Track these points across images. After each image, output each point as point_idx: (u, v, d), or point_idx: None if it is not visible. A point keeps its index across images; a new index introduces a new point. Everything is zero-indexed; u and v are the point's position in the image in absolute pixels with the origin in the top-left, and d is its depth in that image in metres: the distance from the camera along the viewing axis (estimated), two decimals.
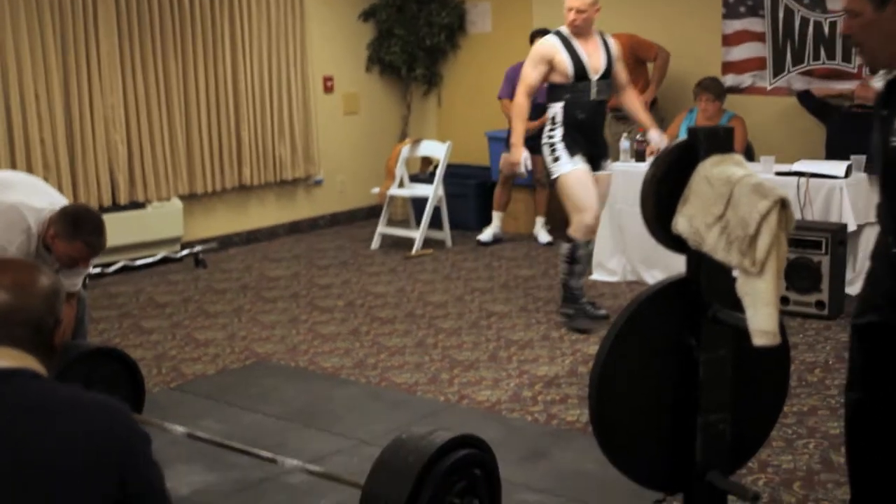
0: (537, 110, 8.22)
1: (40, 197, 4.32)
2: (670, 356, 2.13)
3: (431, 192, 8.21)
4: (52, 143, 7.16)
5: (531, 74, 6.00)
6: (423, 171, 9.13)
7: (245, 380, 5.23)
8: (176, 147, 7.95)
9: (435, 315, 6.36)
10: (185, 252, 7.88)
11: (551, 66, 5.91)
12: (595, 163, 6.01)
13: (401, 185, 8.47)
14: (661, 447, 2.17)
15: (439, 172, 8.27)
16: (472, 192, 8.87)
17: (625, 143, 7.38)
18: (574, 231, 6.01)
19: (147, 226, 7.69)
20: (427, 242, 8.21)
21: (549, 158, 5.98)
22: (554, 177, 5.99)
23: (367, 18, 9.44)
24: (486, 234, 8.44)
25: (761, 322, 1.97)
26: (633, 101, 6.24)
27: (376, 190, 8.52)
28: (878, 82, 2.32)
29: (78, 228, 4.08)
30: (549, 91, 6.05)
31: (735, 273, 2.04)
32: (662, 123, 7.83)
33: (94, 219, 4.16)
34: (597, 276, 7.14)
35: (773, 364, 2.28)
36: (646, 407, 2.15)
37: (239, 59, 8.30)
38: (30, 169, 6.90)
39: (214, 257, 8.03)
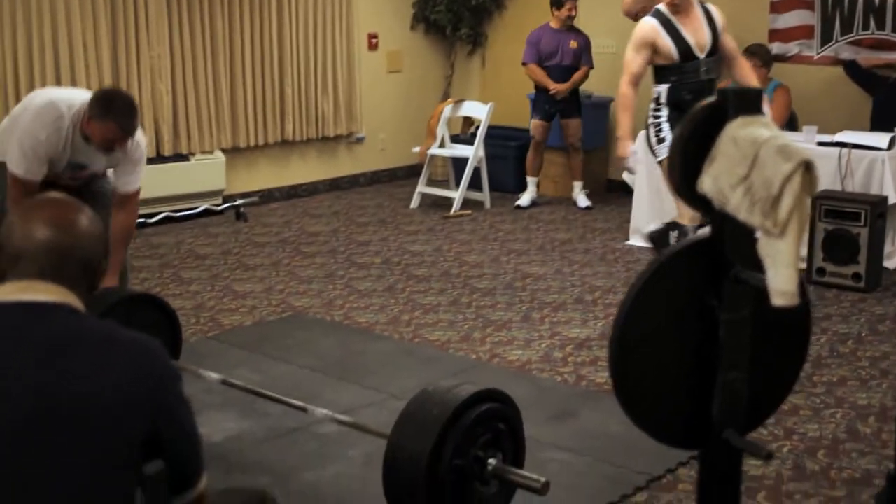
0: (565, 72, 8.19)
1: (82, 94, 4.46)
2: (691, 315, 2.15)
3: (472, 152, 8.22)
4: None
5: (635, 61, 5.64)
6: (465, 132, 9.14)
7: (281, 332, 5.32)
8: (220, 100, 8.03)
9: (470, 275, 6.40)
10: (226, 205, 7.98)
11: (654, 50, 5.60)
12: None
13: (442, 144, 8.50)
14: (679, 405, 2.20)
15: (480, 133, 8.28)
16: (512, 154, 8.87)
17: None
18: (681, 217, 5.58)
19: (190, 178, 7.78)
20: (466, 203, 8.24)
21: (653, 139, 5.67)
22: (659, 159, 5.65)
23: None
24: (525, 199, 8.44)
25: (781, 282, 1.99)
26: (744, 71, 5.78)
27: (417, 149, 8.56)
28: None
29: (110, 109, 4.20)
30: (654, 72, 5.71)
31: (757, 234, 2.06)
32: None
33: (126, 99, 4.29)
34: (633, 241, 7.15)
35: (793, 328, 2.30)
36: (666, 365, 2.17)
37: (285, 14, 8.34)
38: None
39: (255, 211, 8.11)
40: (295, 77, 8.50)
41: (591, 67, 8.26)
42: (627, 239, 7.22)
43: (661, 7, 5.64)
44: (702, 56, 5.61)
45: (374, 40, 9.21)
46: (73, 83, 7.09)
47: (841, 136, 6.44)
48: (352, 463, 3.81)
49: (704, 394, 2.18)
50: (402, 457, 2.98)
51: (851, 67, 7.49)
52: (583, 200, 8.42)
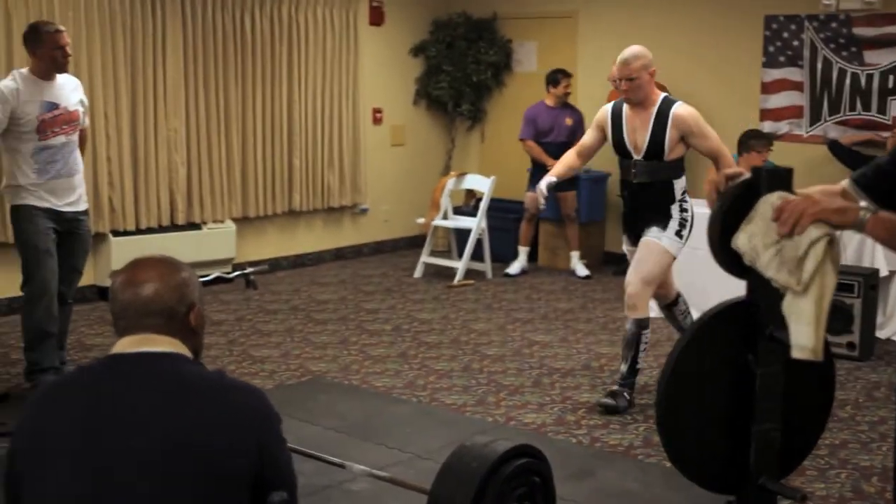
0: (561, 148, 8.43)
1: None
2: (730, 370, 2.39)
3: (475, 224, 8.48)
4: (118, 161, 7.53)
5: (586, 135, 5.54)
6: (467, 204, 9.42)
7: (302, 395, 5.50)
8: (232, 171, 8.30)
9: (479, 342, 6.62)
10: (236, 273, 8.17)
11: (605, 135, 5.38)
12: (639, 236, 5.34)
13: (445, 216, 8.76)
14: (720, 454, 2.42)
15: (483, 205, 8.54)
16: (512, 226, 9.12)
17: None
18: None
19: (202, 246, 8.01)
20: (468, 273, 8.47)
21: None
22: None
23: (417, 54, 9.79)
24: (514, 268, 8.72)
25: (801, 338, 2.23)
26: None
27: (421, 220, 8.82)
28: None
29: (37, 30, 5.21)
30: None
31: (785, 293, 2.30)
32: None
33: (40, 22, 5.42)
34: None
35: (820, 383, 2.54)
36: (707, 418, 2.40)
37: (295, 89, 8.66)
38: (95, 186, 7.28)
39: (263, 279, 8.31)
40: (303, 149, 8.80)
41: None
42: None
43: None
44: (636, 157, 5.25)
45: (378, 114, 9.53)
46: (94, 155, 7.34)
47: None
48: None
49: (742, 443, 2.40)
50: None
51: (833, 146, 7.70)
52: (581, 270, 8.67)
